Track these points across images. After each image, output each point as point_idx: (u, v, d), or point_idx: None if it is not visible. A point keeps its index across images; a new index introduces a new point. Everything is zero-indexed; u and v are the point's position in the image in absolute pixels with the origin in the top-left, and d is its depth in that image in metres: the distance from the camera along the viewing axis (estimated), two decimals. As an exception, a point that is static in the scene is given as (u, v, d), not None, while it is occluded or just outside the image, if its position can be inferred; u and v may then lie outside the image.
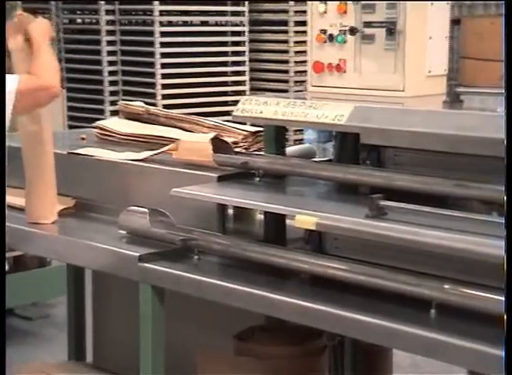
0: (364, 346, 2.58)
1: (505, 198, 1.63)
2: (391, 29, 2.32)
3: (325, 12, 2.45)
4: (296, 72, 7.68)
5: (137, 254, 2.36)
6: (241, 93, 7.28)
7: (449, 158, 2.14)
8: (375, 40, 2.36)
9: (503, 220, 1.88)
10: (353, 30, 2.39)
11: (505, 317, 1.54)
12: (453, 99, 2.20)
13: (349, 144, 2.38)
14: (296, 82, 7.64)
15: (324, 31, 2.45)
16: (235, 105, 2.47)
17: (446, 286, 1.93)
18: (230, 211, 2.57)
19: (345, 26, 2.41)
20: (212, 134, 2.57)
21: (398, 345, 2.03)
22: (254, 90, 7.68)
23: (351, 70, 2.43)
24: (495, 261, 1.84)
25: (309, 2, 2.50)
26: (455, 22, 2.38)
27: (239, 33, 7.66)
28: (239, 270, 2.29)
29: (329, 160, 2.52)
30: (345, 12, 2.41)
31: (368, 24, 2.37)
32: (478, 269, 1.96)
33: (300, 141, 6.83)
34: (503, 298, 1.84)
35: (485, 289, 1.90)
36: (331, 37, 2.44)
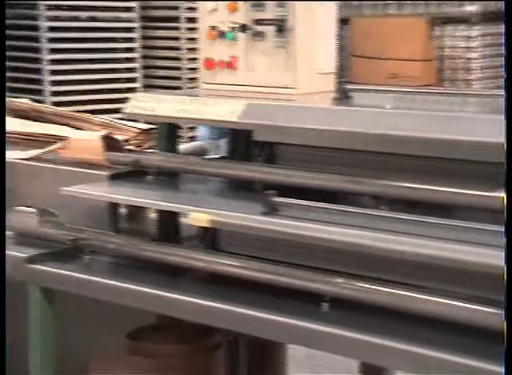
0: (258, 341, 2.61)
1: (505, 198, 1.67)
2: (281, 27, 2.36)
3: (216, 10, 2.47)
4: (189, 69, 7.68)
5: (25, 255, 2.33)
6: (133, 90, 7.24)
7: (340, 155, 2.18)
8: (265, 37, 2.39)
9: (395, 214, 1.94)
10: (243, 28, 2.42)
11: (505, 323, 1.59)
12: (343, 96, 2.25)
13: (241, 141, 2.41)
14: (189, 79, 7.64)
15: (214, 28, 2.47)
16: (127, 102, 2.47)
17: (339, 280, 1.98)
18: (123, 210, 2.56)
19: (235, 23, 2.43)
20: (103, 132, 2.56)
21: (291, 340, 2.07)
22: (147, 87, 7.65)
23: (243, 67, 2.45)
24: (384, 254, 1.90)
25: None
26: (343, 21, 2.43)
27: (130, 30, 7.62)
28: (132, 269, 2.29)
29: (222, 157, 2.54)
30: (235, 10, 2.43)
31: (258, 22, 2.40)
32: (370, 263, 2.01)
33: (193, 139, 6.83)
34: (395, 291, 1.91)
35: (378, 282, 1.95)
36: (221, 34, 2.46)
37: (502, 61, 5.31)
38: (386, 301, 1.91)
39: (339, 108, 2.27)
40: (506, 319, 1.51)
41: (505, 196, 1.66)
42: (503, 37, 1.74)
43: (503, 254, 1.70)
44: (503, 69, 1.88)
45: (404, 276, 1.97)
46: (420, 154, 2.00)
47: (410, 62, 5.79)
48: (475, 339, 1.79)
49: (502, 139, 1.84)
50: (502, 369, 1.65)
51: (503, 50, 2.84)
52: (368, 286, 1.94)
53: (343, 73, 2.42)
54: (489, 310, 1.78)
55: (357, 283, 1.96)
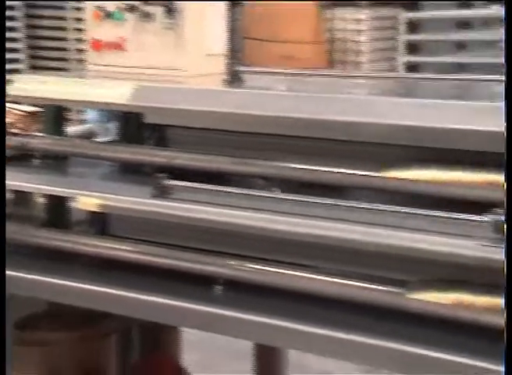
0: (151, 326, 2.61)
1: (505, 197, 1.69)
2: (169, 8, 2.34)
3: (102, -11, 2.44)
4: (77, 50, 7.56)
5: None
6: (17, 71, 7.08)
7: (232, 137, 2.20)
8: (154, 18, 2.38)
9: (287, 196, 1.96)
10: (131, 8, 2.40)
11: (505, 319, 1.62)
12: (233, 78, 2.26)
13: (131, 124, 2.39)
14: (77, 60, 7.52)
15: (101, 8, 2.44)
16: (10, 84, 2.41)
17: (232, 262, 2.00)
18: (10, 195, 2.51)
19: (123, 3, 2.41)
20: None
21: (184, 323, 2.08)
22: (32, 68, 7.49)
23: (131, 49, 2.43)
24: (275, 235, 1.93)
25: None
26: (235, 3, 2.44)
27: (11, 8, 7.43)
28: (19, 257, 2.26)
29: (112, 140, 2.52)
30: (122, -11, 2.41)
31: (146, 2, 2.38)
32: (263, 244, 2.03)
33: (82, 121, 6.74)
34: (288, 272, 1.93)
35: (271, 264, 1.98)
36: (108, 15, 2.43)
37: (391, 44, 5.43)
38: (279, 282, 1.94)
39: (229, 90, 2.28)
40: (506, 319, 1.55)
41: (506, 196, 1.69)
42: (503, 37, 1.74)
43: (392, 232, 1.76)
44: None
45: (298, 257, 2.00)
46: (309, 135, 2.03)
47: (302, 44, 5.85)
48: (369, 317, 1.84)
49: (391, 120, 1.89)
50: (390, 344, 1.71)
51: (391, 33, 2.89)
52: (260, 267, 1.97)
53: (235, 55, 2.42)
54: (383, 288, 1.83)
55: (249, 265, 1.98)
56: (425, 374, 1.74)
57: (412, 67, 3.43)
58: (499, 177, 1.79)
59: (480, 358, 1.70)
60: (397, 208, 1.83)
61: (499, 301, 1.69)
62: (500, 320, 1.65)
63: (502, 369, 1.63)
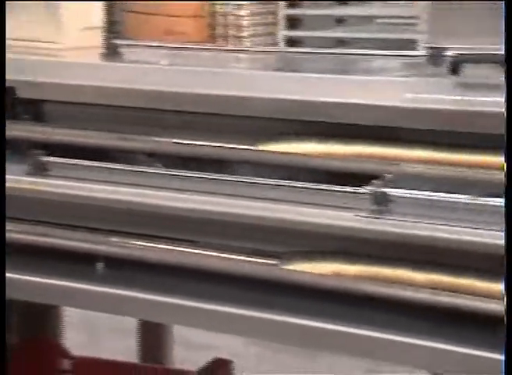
0: (30, 307, 2.57)
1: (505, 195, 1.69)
2: (44, -22, 2.28)
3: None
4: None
5: None
6: None
7: (111, 112, 2.16)
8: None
9: (170, 171, 1.95)
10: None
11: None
12: (111, 52, 2.22)
13: (3, 99, 2.33)
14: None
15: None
16: None
17: (113, 239, 1.98)
18: None
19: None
20: None
21: (66, 302, 2.05)
22: None
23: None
24: (163, 211, 1.92)
25: None
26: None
27: None
28: None
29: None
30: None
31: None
32: (146, 221, 2.01)
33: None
34: (175, 248, 1.93)
35: (155, 240, 1.97)
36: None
37: (273, 19, 5.45)
38: (160, 257, 1.93)
39: (106, 64, 2.24)
40: (507, 319, 1.57)
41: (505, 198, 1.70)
42: (504, 37, 1.74)
43: (272, 205, 1.78)
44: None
45: (180, 232, 2.00)
46: (191, 110, 2.02)
47: (183, 18, 5.81)
48: (250, 289, 1.86)
49: (272, 94, 1.90)
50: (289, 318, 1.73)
51: (272, 8, 2.90)
52: (141, 244, 1.96)
53: (114, 29, 2.38)
54: (266, 261, 1.85)
55: (131, 242, 1.97)
56: (306, 344, 1.78)
57: (292, 42, 3.45)
58: (377, 149, 1.83)
59: (359, 325, 1.75)
60: (277, 181, 1.85)
61: (378, 270, 1.74)
62: (380, 289, 1.70)
63: (389, 336, 1.68)
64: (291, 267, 1.84)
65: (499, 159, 1.74)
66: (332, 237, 1.79)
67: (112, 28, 2.41)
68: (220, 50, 2.45)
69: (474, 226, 1.64)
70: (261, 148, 1.90)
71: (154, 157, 2.05)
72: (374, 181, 1.74)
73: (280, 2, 3.46)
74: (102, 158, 2.04)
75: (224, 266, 1.88)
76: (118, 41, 2.26)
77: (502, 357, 1.62)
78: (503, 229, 1.57)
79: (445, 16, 1.96)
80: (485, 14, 1.88)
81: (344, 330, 1.75)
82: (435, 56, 1.80)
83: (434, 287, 1.71)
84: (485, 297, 1.67)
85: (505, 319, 1.52)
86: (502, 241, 1.58)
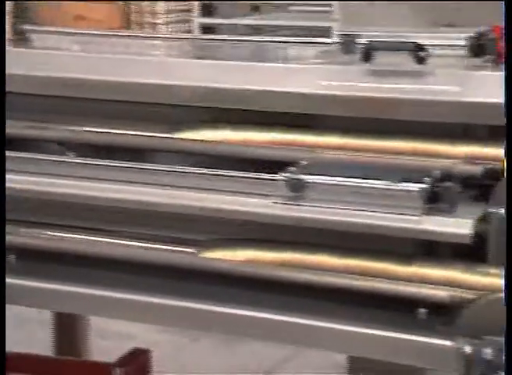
0: None
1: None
2: None
3: None
4: None
5: None
6: None
7: (21, 100, 2.13)
8: None
9: (82, 160, 1.93)
10: None
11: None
12: (19, 37, 2.18)
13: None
14: None
15: None
16: None
17: (23, 229, 1.95)
18: None
19: None
20: None
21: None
22: None
23: None
24: (76, 201, 1.90)
25: None
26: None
27: None
28: None
29: None
30: None
31: None
32: (63, 211, 1.99)
33: None
34: (91, 237, 1.91)
35: (68, 230, 1.95)
36: None
37: (187, 6, 5.44)
38: (75, 248, 1.92)
39: (11, 50, 2.20)
40: (507, 318, 1.57)
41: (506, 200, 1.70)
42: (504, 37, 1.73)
43: (188, 193, 1.77)
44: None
45: (96, 221, 1.98)
46: (104, 98, 2.00)
47: (97, 4, 5.76)
48: (169, 278, 1.86)
49: (186, 82, 1.89)
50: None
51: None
52: (53, 234, 1.93)
53: (22, 14, 2.34)
54: (184, 249, 1.85)
55: (41, 232, 1.95)
56: (224, 331, 1.79)
57: (208, 29, 3.46)
58: (293, 136, 1.85)
59: (277, 312, 1.75)
60: (194, 169, 1.84)
61: (295, 256, 1.75)
62: (297, 274, 1.72)
63: (308, 322, 1.70)
64: (208, 255, 1.84)
65: (412, 145, 1.78)
66: (249, 225, 1.79)
67: (19, 13, 2.37)
68: (134, 36, 2.43)
69: (389, 211, 1.66)
70: (177, 136, 1.89)
71: (65, 146, 2.03)
72: (290, 168, 1.75)
73: (194, -11, 3.44)
74: (11, 146, 2.01)
75: (141, 254, 1.87)
76: (27, 27, 2.22)
77: (420, 338, 1.67)
78: (420, 213, 1.61)
79: (357, 4, 1.99)
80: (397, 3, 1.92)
81: (262, 317, 1.76)
82: (348, 44, 1.83)
83: (351, 272, 1.73)
84: (402, 280, 1.70)
85: (505, 318, 1.55)
86: (417, 226, 1.61)
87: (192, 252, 1.84)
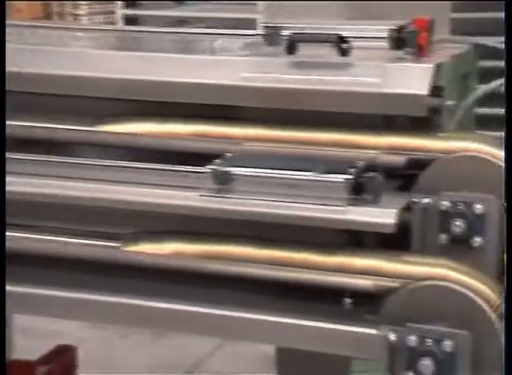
0: None
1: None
2: None
3: None
4: None
5: None
6: None
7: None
8: None
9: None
10: None
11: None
12: None
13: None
14: None
15: None
16: None
17: None
18: None
19: None
20: None
21: None
22: None
23: None
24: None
25: None
26: None
27: None
28: None
29: None
30: None
31: None
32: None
33: None
34: (14, 234, 1.89)
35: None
36: None
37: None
38: None
39: None
40: (507, 318, 1.57)
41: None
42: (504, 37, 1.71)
43: (111, 187, 1.77)
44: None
45: (21, 217, 1.96)
46: (25, 90, 1.98)
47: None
48: (93, 273, 1.85)
49: (109, 74, 1.88)
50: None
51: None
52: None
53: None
54: (107, 243, 1.85)
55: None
56: (152, 326, 1.79)
57: (131, 20, 3.44)
58: (218, 129, 1.86)
59: (203, 304, 1.77)
60: (119, 162, 1.84)
61: (221, 248, 1.77)
62: (223, 267, 1.73)
63: (234, 313, 1.71)
64: (132, 248, 1.84)
65: (336, 136, 1.80)
66: (175, 218, 1.80)
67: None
68: (56, 27, 2.41)
69: (314, 202, 1.68)
70: (100, 129, 1.89)
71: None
72: (216, 160, 1.76)
73: (117, -20, 3.41)
74: None
75: (64, 249, 1.86)
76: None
77: (346, 327, 1.70)
78: (345, 204, 1.64)
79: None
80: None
81: (189, 310, 1.77)
82: (272, 36, 1.84)
83: (276, 264, 1.75)
84: (328, 271, 1.72)
85: (505, 317, 1.57)
86: (342, 216, 1.64)
87: (116, 246, 1.83)
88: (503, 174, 1.69)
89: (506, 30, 1.69)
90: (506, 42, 1.70)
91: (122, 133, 1.91)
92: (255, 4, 2.61)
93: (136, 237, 1.85)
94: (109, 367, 3.60)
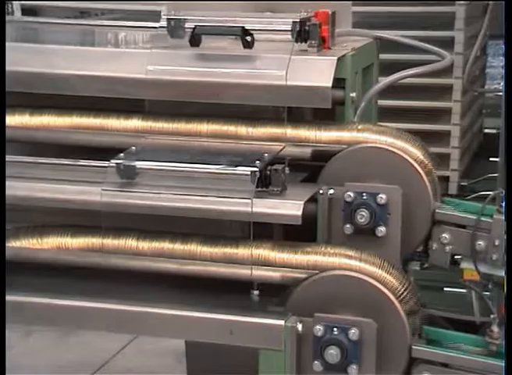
0: None
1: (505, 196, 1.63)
2: None
3: None
4: None
5: None
6: None
7: None
8: None
9: None
10: None
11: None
12: None
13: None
14: None
15: None
16: None
17: None
18: None
19: None
20: None
21: None
22: None
23: None
24: None
25: None
26: None
27: None
28: None
29: None
30: None
31: None
32: None
33: None
34: None
35: None
36: None
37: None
38: None
39: None
40: (506, 318, 1.56)
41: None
42: (504, 38, 1.67)
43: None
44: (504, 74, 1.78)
45: None
46: None
47: None
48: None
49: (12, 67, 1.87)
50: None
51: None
52: None
53: None
54: None
55: None
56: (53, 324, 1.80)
57: (30, 11, 3.39)
58: (122, 122, 1.87)
59: (105, 300, 1.78)
60: (20, 158, 1.84)
61: (124, 242, 1.78)
62: (129, 261, 1.75)
63: (137, 308, 1.72)
64: (12, 243, 1.85)
65: (242, 129, 1.82)
66: (75, 212, 1.81)
67: None
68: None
69: (220, 195, 1.70)
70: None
71: None
72: (120, 154, 1.76)
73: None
74: None
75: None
76: None
77: (254, 319, 1.72)
78: (251, 196, 1.66)
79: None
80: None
81: (93, 306, 1.77)
82: (176, 28, 1.85)
83: (182, 257, 1.76)
84: (235, 263, 1.75)
85: (505, 318, 1.59)
86: (249, 209, 1.66)
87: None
88: (405, 164, 1.75)
89: (506, 30, 1.70)
90: (506, 42, 1.70)
91: (18, 126, 1.90)
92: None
93: (18, 232, 1.86)
94: (13, 367, 3.55)
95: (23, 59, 1.91)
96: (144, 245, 1.79)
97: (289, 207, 1.70)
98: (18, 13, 3.24)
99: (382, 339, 1.67)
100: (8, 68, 1.86)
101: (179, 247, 1.77)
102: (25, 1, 3.48)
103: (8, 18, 2.49)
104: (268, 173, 1.71)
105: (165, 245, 1.78)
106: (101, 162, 1.77)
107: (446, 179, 3.14)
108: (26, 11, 3.31)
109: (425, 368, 1.71)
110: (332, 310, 1.68)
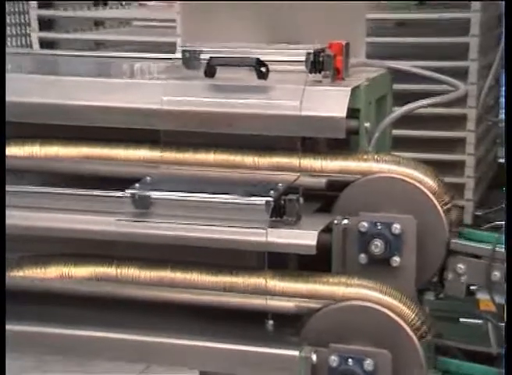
0: None
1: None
2: None
3: None
4: None
5: None
6: None
7: None
8: None
9: None
10: None
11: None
12: None
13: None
14: None
15: None
16: None
17: None
18: None
19: None
20: None
21: None
22: None
23: None
24: None
25: None
26: None
27: None
28: None
29: None
30: None
31: None
32: None
33: None
34: None
35: None
36: None
37: (24, 19, 5.29)
38: None
39: None
40: (507, 317, 1.57)
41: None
42: (503, 35, 1.67)
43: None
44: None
45: None
46: None
47: None
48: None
49: (20, 98, 1.88)
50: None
51: (23, 7, 2.85)
52: None
53: None
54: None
55: None
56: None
57: (48, 44, 3.42)
58: (137, 153, 1.87)
59: (119, 330, 1.78)
60: (34, 188, 1.84)
61: (140, 272, 1.78)
62: (140, 291, 1.74)
63: (153, 338, 1.72)
64: (16, 273, 1.86)
65: (256, 159, 1.83)
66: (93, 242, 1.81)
67: None
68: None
69: (235, 225, 1.70)
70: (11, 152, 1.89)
71: None
72: (135, 185, 1.77)
73: (31, 2, 3.36)
74: None
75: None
76: None
77: (268, 350, 1.71)
78: (266, 226, 1.66)
79: (198, 19, 2.03)
80: (235, 16, 1.97)
81: (108, 336, 1.77)
82: (191, 59, 1.87)
83: (197, 287, 1.76)
84: (250, 293, 1.74)
85: (505, 317, 1.59)
86: (263, 238, 1.66)
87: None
88: (420, 194, 1.75)
89: (505, 29, 1.71)
90: (506, 42, 1.71)
91: (35, 157, 1.91)
92: (173, 27, 2.63)
93: (21, 262, 1.86)
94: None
95: (39, 90, 1.92)
96: (152, 274, 1.79)
97: (303, 237, 1.70)
98: (36, 46, 3.28)
99: (397, 370, 1.66)
100: (24, 99, 1.87)
101: (191, 276, 1.77)
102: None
103: (26, 50, 2.52)
104: (283, 202, 1.71)
105: (176, 275, 1.78)
106: (114, 192, 1.77)
107: (460, 209, 3.13)
108: (45, 44, 3.35)
109: (440, 399, 1.71)
110: (346, 341, 1.68)
